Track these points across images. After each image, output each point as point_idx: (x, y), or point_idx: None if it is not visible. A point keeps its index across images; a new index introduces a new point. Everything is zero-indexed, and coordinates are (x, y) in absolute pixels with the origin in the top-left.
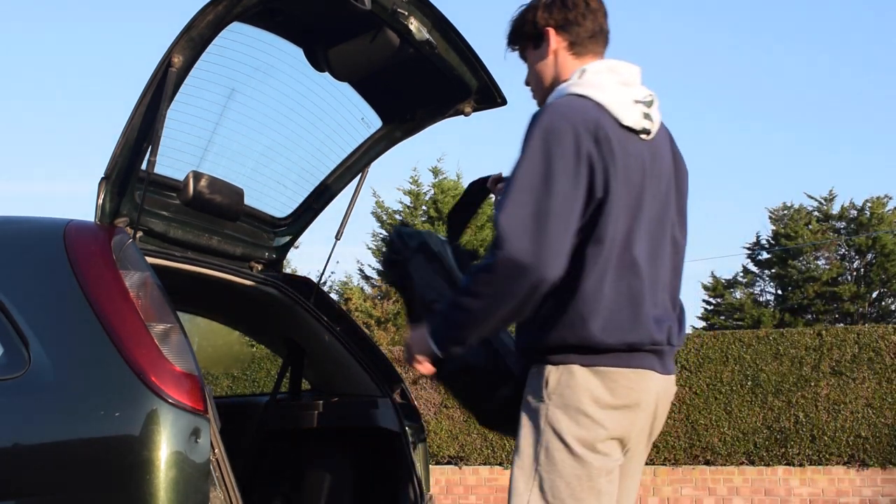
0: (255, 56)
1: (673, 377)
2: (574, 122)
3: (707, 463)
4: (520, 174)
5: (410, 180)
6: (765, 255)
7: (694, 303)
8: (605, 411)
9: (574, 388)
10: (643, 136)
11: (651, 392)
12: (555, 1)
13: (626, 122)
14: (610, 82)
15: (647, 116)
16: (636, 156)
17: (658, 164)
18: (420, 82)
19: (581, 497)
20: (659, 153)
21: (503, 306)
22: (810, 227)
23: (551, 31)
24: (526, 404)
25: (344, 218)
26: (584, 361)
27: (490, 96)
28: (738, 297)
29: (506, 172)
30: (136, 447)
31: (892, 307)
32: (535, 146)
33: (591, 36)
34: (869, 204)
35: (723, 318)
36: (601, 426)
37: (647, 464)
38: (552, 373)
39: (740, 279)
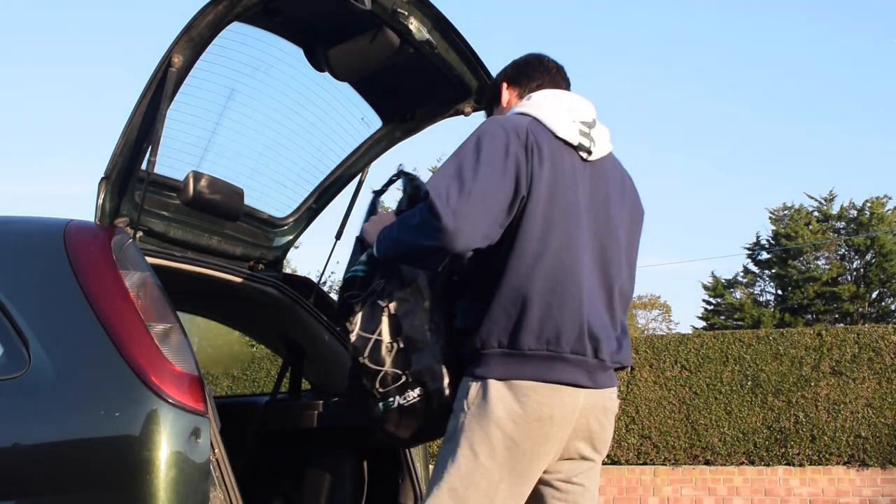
0: (255, 56)
1: (608, 391)
2: (506, 128)
3: (707, 463)
4: (452, 159)
5: None
6: (765, 255)
7: (694, 303)
8: (517, 424)
9: (489, 400)
10: (582, 153)
11: (569, 407)
12: (513, 62)
13: (561, 134)
14: (550, 103)
15: (585, 134)
16: (570, 169)
17: (603, 187)
18: (420, 82)
19: (470, 499)
20: (605, 177)
21: (409, 249)
22: (810, 227)
23: (504, 85)
24: (452, 412)
25: (344, 218)
26: (500, 374)
27: None
28: (738, 297)
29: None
30: (136, 447)
31: (892, 307)
32: (470, 142)
33: (538, 86)
34: (869, 204)
35: (723, 318)
36: (510, 439)
37: (647, 464)
38: (472, 386)
39: (740, 279)
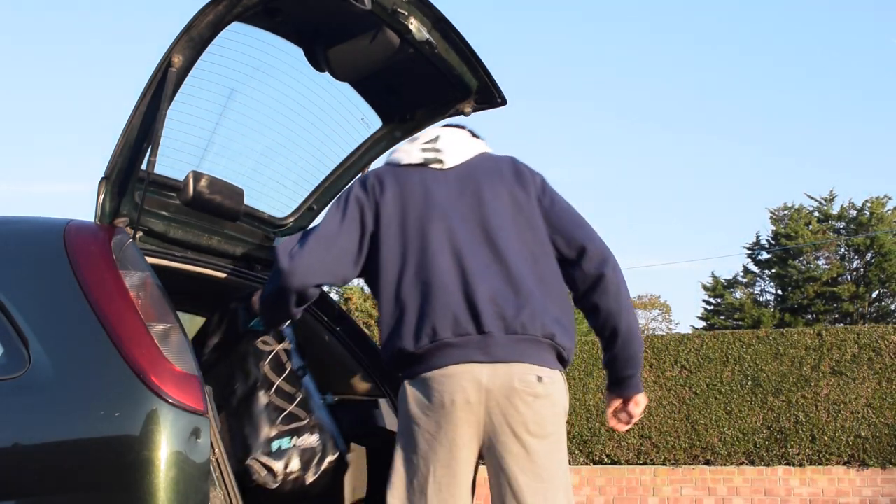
0: (255, 56)
1: (516, 368)
2: (357, 180)
3: (707, 463)
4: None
5: None
6: (765, 255)
7: (694, 303)
8: (428, 416)
9: (404, 398)
10: (434, 165)
11: (469, 388)
12: None
13: (406, 161)
14: (403, 145)
15: (428, 150)
16: (420, 183)
17: (471, 181)
18: (420, 82)
19: (411, 499)
20: (471, 174)
21: (266, 298)
22: (810, 227)
23: None
24: None
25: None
26: (406, 374)
27: (490, 96)
28: (738, 297)
29: None
30: (136, 447)
31: (892, 307)
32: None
33: None
34: (869, 204)
35: (723, 318)
36: (426, 431)
37: (647, 464)
38: (400, 388)
39: (740, 279)
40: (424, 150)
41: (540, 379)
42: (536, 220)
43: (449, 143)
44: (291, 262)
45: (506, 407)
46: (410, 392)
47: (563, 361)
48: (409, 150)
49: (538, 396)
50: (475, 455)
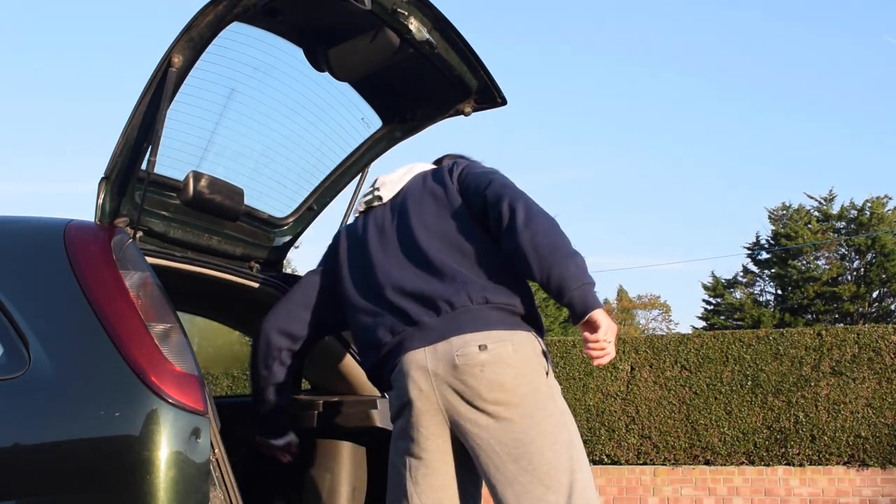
0: (255, 56)
1: (449, 341)
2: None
3: (707, 463)
4: None
5: None
6: (765, 255)
7: (694, 303)
8: (399, 417)
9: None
10: (376, 203)
11: (414, 374)
12: None
13: (356, 213)
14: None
15: (369, 194)
16: (361, 228)
17: (402, 205)
18: (420, 82)
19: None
20: (403, 200)
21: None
22: (810, 227)
23: None
24: None
25: (344, 218)
26: (383, 389)
27: (490, 96)
28: (738, 297)
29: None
30: (136, 447)
31: (892, 307)
32: None
33: None
34: (869, 204)
35: (723, 318)
36: (399, 429)
37: (647, 464)
38: None
39: (740, 279)
40: (366, 195)
41: (483, 347)
42: (456, 203)
43: (388, 180)
44: (262, 324)
45: (457, 385)
46: (388, 402)
47: (525, 319)
48: (357, 204)
49: (486, 364)
50: (449, 442)
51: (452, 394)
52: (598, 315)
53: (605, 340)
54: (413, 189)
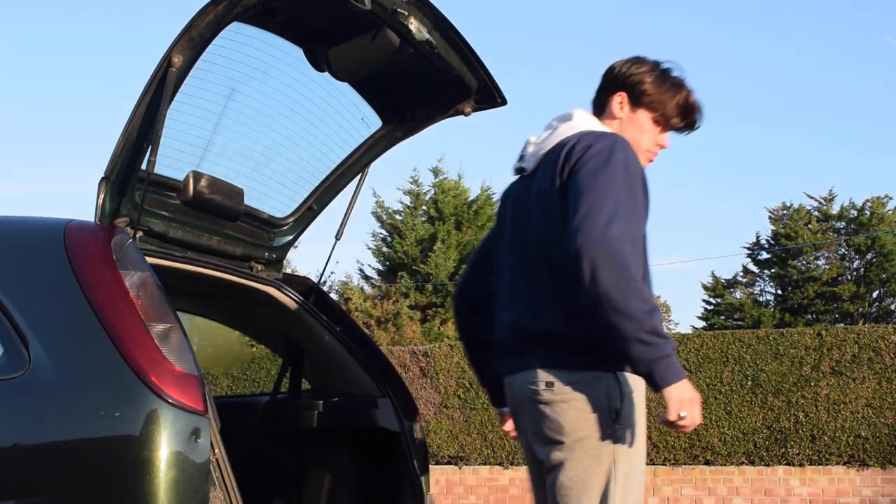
0: (255, 56)
1: (521, 374)
2: None
3: (707, 463)
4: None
5: (410, 180)
6: (765, 255)
7: (694, 303)
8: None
9: None
10: (522, 174)
11: (508, 395)
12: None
13: (513, 174)
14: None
15: (518, 160)
16: (511, 196)
17: (530, 189)
18: (420, 82)
19: None
20: (535, 182)
21: None
22: (810, 227)
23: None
24: None
25: (344, 218)
26: None
27: (490, 96)
28: (738, 297)
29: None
30: (136, 447)
31: (892, 307)
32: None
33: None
34: (869, 204)
35: (723, 318)
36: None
37: (647, 464)
38: None
39: (740, 279)
40: (517, 160)
41: (549, 385)
42: (555, 210)
43: (529, 144)
44: None
45: (526, 416)
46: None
47: (593, 355)
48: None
49: (550, 403)
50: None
51: (522, 425)
52: (669, 394)
53: (678, 420)
54: (543, 174)
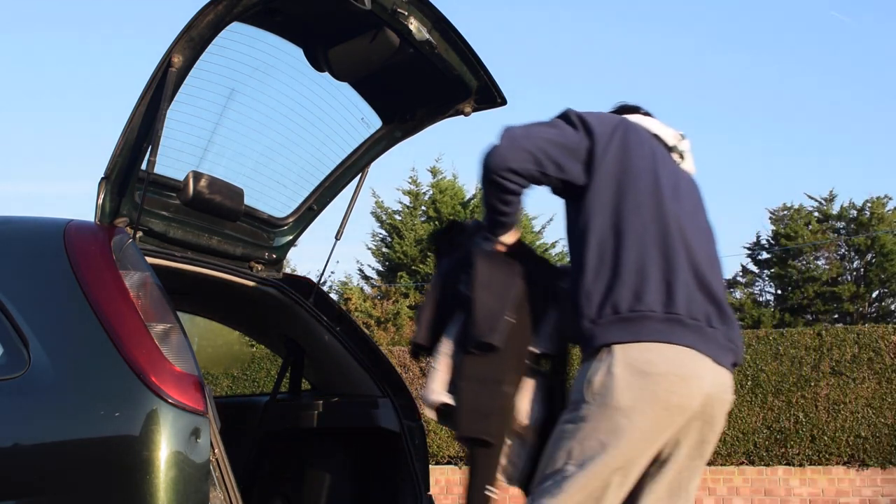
0: (255, 56)
1: (725, 372)
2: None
3: (707, 463)
4: None
5: (409, 180)
6: (765, 255)
7: None
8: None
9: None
10: (675, 155)
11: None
12: None
13: (656, 132)
14: (645, 120)
15: (680, 141)
16: (665, 154)
17: (691, 190)
18: (420, 82)
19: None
20: (692, 185)
21: None
22: (810, 227)
23: None
24: None
25: (344, 218)
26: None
27: (490, 96)
28: (738, 297)
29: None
30: (136, 447)
31: (892, 307)
32: None
33: None
34: (869, 204)
35: None
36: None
37: None
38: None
39: (740, 279)
40: (677, 137)
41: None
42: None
43: (688, 150)
44: None
45: (706, 424)
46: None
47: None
48: (662, 128)
49: (726, 411)
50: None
51: (696, 431)
52: None
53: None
54: (697, 199)
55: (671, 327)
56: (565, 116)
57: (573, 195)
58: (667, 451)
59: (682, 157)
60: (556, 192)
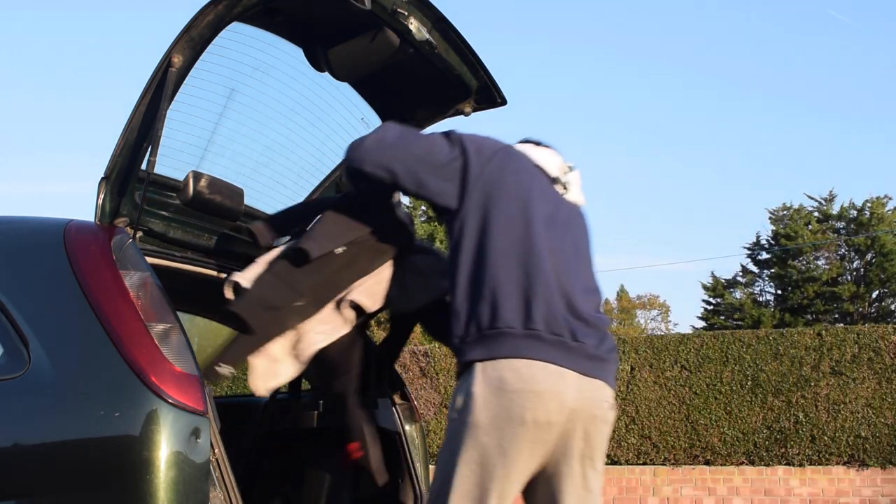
0: (255, 56)
1: (596, 383)
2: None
3: (707, 463)
4: None
5: None
6: (765, 255)
7: (694, 303)
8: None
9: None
10: (558, 187)
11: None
12: None
13: (539, 164)
14: (532, 148)
15: (564, 174)
16: (542, 182)
17: (573, 220)
18: (420, 82)
19: None
20: (575, 216)
21: None
22: (810, 227)
23: None
24: None
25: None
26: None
27: (490, 96)
28: (738, 297)
29: None
30: (136, 447)
31: (892, 307)
32: None
33: None
34: (869, 204)
35: (723, 318)
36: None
37: (647, 464)
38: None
39: (740, 279)
40: (563, 169)
41: (610, 407)
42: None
43: (575, 182)
44: None
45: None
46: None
47: None
48: (549, 159)
49: (607, 423)
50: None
51: (576, 440)
52: None
53: None
54: (584, 229)
55: (529, 342)
56: (447, 135)
57: (447, 215)
58: (551, 467)
59: (566, 188)
60: (434, 210)
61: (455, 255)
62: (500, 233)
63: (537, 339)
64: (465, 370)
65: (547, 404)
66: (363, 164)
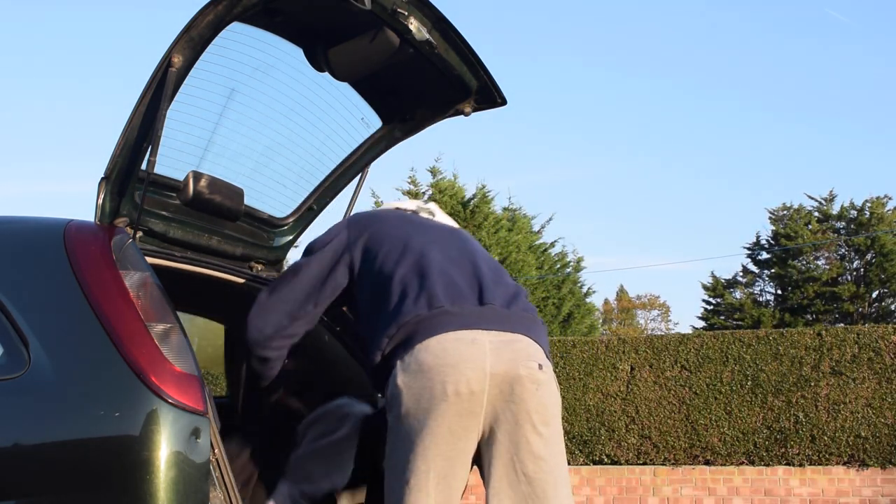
0: (255, 56)
1: (517, 337)
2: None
3: (707, 463)
4: None
5: (409, 180)
6: (765, 255)
7: (694, 303)
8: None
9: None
10: (424, 214)
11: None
12: None
13: (397, 206)
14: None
15: (422, 207)
16: (410, 217)
17: (451, 230)
18: (420, 82)
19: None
20: (451, 228)
21: None
22: (810, 227)
23: None
24: None
25: (344, 218)
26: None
27: (490, 96)
28: (737, 297)
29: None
30: (136, 447)
31: (892, 307)
32: None
33: None
34: (869, 204)
35: (723, 318)
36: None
37: (647, 464)
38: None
39: (740, 279)
40: (418, 204)
41: (540, 366)
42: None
43: (436, 209)
44: None
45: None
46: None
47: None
48: (405, 203)
49: (541, 383)
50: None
51: (505, 402)
52: None
53: None
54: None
55: (438, 319)
56: (307, 252)
57: (349, 290)
58: (486, 437)
59: (431, 214)
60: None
61: (357, 309)
62: (386, 257)
63: (445, 314)
64: (388, 374)
65: (465, 374)
66: (265, 331)
